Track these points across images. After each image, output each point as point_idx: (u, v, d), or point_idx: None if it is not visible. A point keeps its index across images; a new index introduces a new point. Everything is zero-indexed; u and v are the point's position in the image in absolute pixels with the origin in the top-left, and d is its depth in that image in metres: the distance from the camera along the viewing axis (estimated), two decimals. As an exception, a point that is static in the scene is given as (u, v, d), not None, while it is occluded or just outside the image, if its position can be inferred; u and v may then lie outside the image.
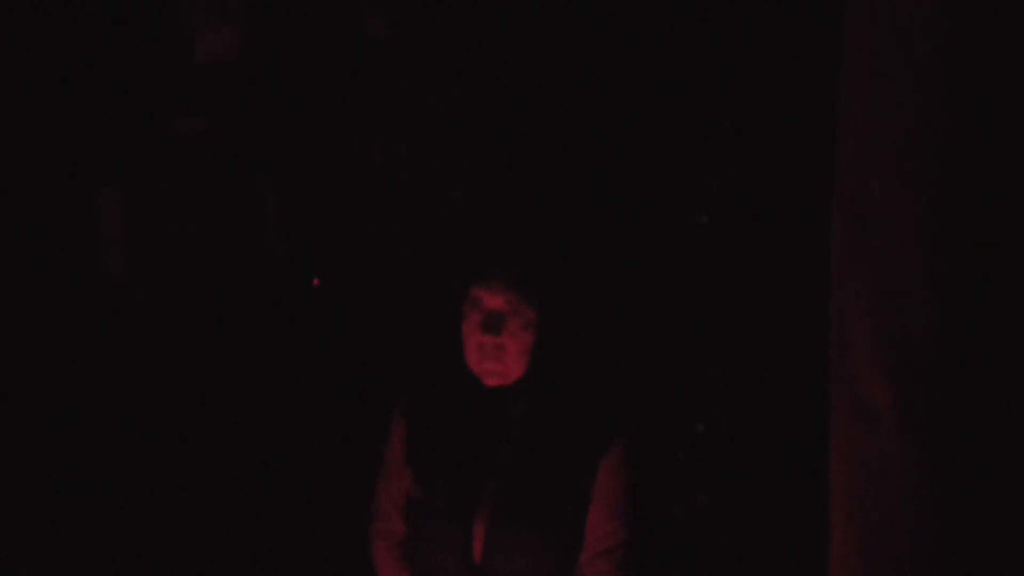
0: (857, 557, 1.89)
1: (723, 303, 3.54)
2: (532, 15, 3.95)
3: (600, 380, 2.81)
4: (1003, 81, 1.72)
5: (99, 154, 3.71)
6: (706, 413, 3.50)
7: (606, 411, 2.71)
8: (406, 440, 2.72)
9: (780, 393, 3.46)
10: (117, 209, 3.73)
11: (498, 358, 2.62)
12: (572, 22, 3.91)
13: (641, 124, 3.78)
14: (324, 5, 4.04)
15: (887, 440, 1.81)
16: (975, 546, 1.80)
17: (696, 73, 3.58)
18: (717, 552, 3.49)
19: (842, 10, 1.86)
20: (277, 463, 3.79)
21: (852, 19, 1.84)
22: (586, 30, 3.89)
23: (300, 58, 3.97)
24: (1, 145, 3.82)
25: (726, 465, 3.48)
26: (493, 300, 2.62)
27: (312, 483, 3.78)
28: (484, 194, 3.82)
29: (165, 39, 3.73)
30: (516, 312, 2.61)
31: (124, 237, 3.73)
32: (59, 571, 3.63)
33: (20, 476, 3.74)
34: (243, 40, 3.74)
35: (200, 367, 3.74)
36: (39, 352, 3.83)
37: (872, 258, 1.81)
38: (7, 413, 3.76)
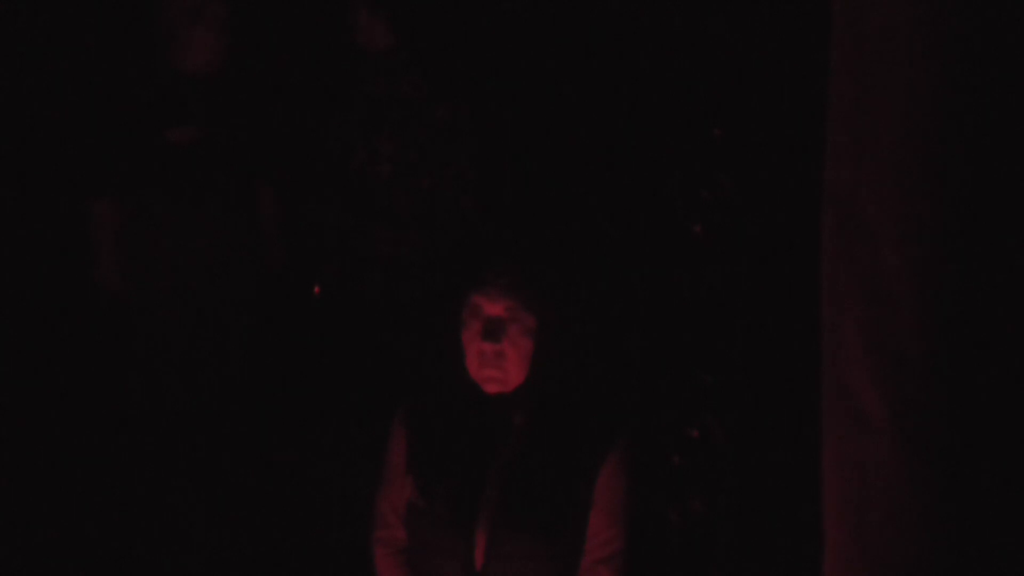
0: (851, 561, 1.90)
1: (717, 310, 3.55)
2: (529, 25, 3.96)
3: (599, 387, 2.83)
4: (991, 87, 1.73)
5: (92, 162, 3.71)
6: (700, 419, 3.50)
7: (605, 417, 2.72)
8: (407, 447, 2.73)
9: (773, 399, 3.47)
10: (110, 217, 3.72)
11: (498, 365, 2.63)
12: (570, 34, 3.92)
13: (635, 134, 3.80)
14: (317, 13, 4.04)
15: (879, 445, 1.82)
16: (968, 550, 1.81)
17: (688, 83, 3.59)
18: (712, 557, 3.50)
19: (830, 20, 1.88)
20: (277, 471, 3.79)
21: (840, 29, 1.85)
22: (582, 42, 3.90)
23: (295, 65, 3.97)
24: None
25: (721, 471, 3.49)
26: (493, 307, 2.63)
27: (313, 490, 3.78)
28: (485, 201, 3.83)
29: (150, 47, 3.73)
30: (516, 319, 2.62)
31: (117, 245, 3.73)
32: (59, 571, 3.63)
33: (16, 483, 3.74)
34: (225, 47, 3.73)
35: (196, 375, 3.73)
36: (34, 359, 3.83)
37: (862, 265, 1.82)
38: (3, 420, 3.76)
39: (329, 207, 3.85)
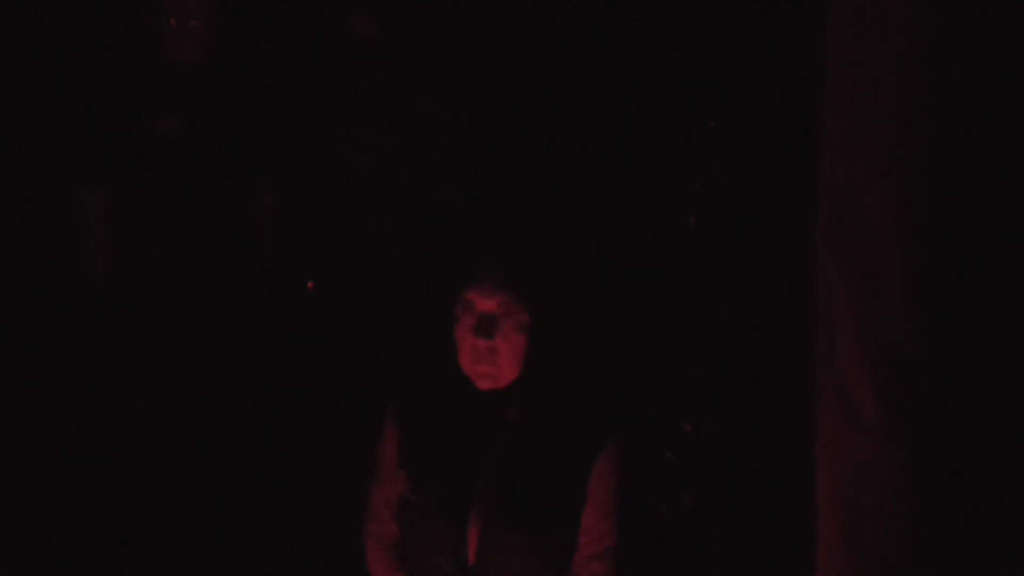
0: (844, 556, 1.89)
1: (711, 304, 3.54)
2: (519, 16, 3.96)
3: (592, 382, 2.82)
4: (988, 82, 1.73)
5: (82, 152, 3.71)
6: (693, 414, 3.50)
7: (598, 413, 2.72)
8: (399, 442, 2.72)
9: (766, 393, 3.47)
10: (99, 207, 3.72)
11: (491, 361, 2.62)
12: (560, 24, 3.91)
13: (629, 125, 3.79)
14: (309, 4, 4.04)
15: (872, 440, 1.82)
16: (961, 545, 1.80)
17: (683, 74, 3.58)
18: (705, 552, 3.49)
19: (826, 11, 1.87)
20: (269, 466, 3.79)
21: (836, 20, 1.84)
22: (574, 32, 3.90)
23: (284, 57, 3.97)
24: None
25: (713, 465, 3.49)
26: (486, 303, 2.62)
27: (306, 485, 3.78)
28: (475, 195, 3.82)
29: (140, 38, 3.73)
30: (509, 314, 2.62)
31: (106, 235, 3.72)
32: (58, 571, 3.62)
33: (6, 478, 3.74)
34: (213, 39, 3.73)
35: (186, 367, 3.73)
36: (23, 351, 3.82)
37: (856, 259, 1.81)
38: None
39: (316, 198, 3.84)
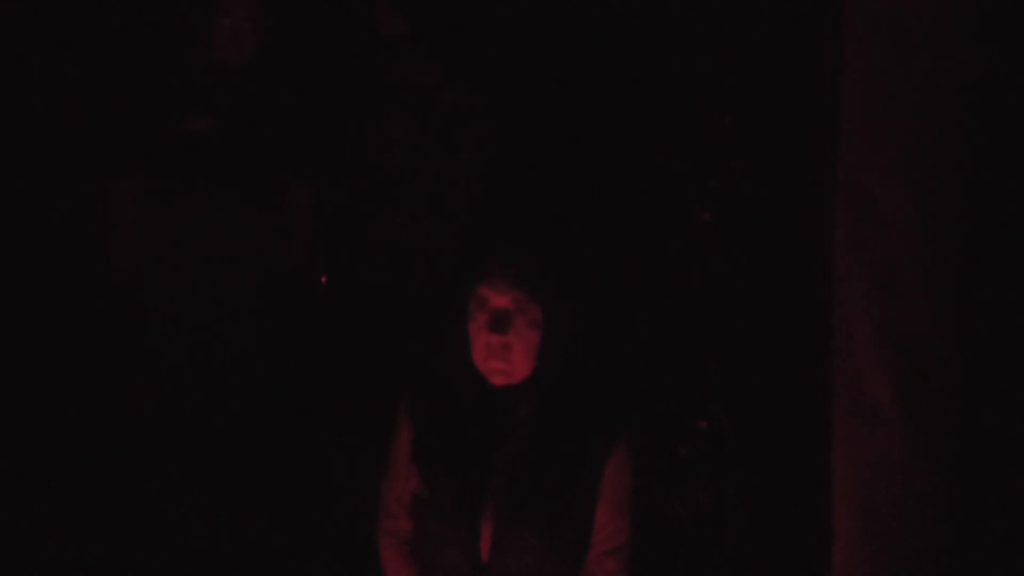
0: (861, 553, 1.90)
1: (725, 299, 3.54)
2: (539, 14, 3.96)
3: (606, 378, 2.82)
4: (1003, 79, 1.73)
5: (112, 147, 3.72)
6: (708, 410, 3.50)
7: (612, 409, 2.72)
8: (412, 439, 2.73)
9: (782, 390, 3.47)
10: (128, 202, 3.73)
11: (504, 357, 2.62)
12: (579, 21, 3.91)
13: (645, 121, 3.79)
14: (341, 2, 4.04)
15: (889, 436, 1.82)
16: (976, 541, 1.81)
17: (699, 71, 3.58)
18: (719, 549, 3.49)
19: (843, 9, 1.87)
20: (283, 461, 3.79)
21: (853, 18, 1.85)
22: (591, 29, 3.90)
23: (318, 56, 3.97)
24: (15, 138, 3.83)
25: (728, 462, 3.49)
26: (499, 299, 2.63)
27: (319, 481, 3.78)
28: (495, 191, 3.83)
29: (182, 36, 3.73)
30: (522, 311, 2.62)
31: (133, 230, 3.74)
32: (59, 571, 3.63)
33: (22, 472, 3.74)
34: (260, 39, 3.73)
35: (205, 362, 3.73)
36: (45, 344, 3.83)
37: (874, 256, 1.82)
38: (11, 406, 3.76)
39: (345, 195, 3.85)
